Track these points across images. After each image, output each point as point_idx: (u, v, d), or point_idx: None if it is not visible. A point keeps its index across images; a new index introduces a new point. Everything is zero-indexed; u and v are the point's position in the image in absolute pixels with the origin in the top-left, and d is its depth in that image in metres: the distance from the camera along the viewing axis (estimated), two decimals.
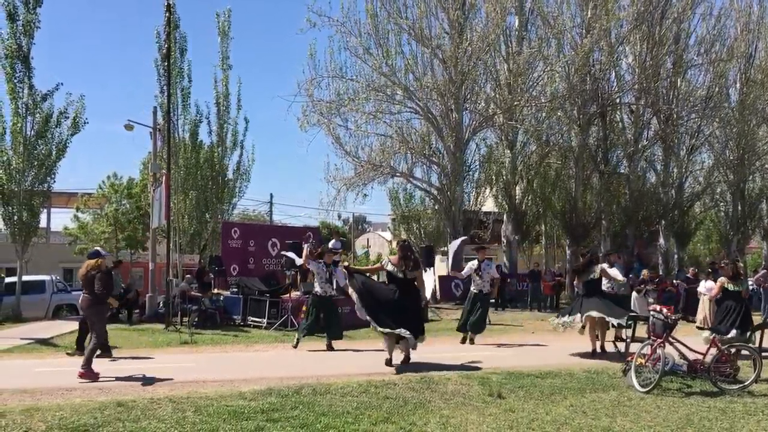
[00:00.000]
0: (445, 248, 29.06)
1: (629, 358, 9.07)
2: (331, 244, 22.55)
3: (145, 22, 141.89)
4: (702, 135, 30.96)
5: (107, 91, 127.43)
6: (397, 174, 26.65)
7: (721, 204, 34.40)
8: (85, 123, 21.68)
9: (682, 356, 8.77)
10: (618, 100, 29.11)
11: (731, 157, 31.91)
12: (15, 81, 20.49)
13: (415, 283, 10.18)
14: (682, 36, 29.52)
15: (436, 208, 28.84)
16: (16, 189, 20.59)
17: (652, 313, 8.94)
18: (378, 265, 11.71)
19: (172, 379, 8.93)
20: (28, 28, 20.60)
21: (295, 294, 16.71)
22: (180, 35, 24.70)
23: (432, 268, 24.27)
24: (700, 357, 8.75)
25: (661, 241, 32.64)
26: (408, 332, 9.68)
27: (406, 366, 9.85)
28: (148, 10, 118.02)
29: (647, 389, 8.19)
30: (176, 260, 20.47)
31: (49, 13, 52.64)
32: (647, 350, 8.60)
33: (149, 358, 11.48)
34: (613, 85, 29.17)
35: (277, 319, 16.25)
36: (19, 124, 20.47)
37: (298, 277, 17.66)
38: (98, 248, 11.38)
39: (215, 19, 27.33)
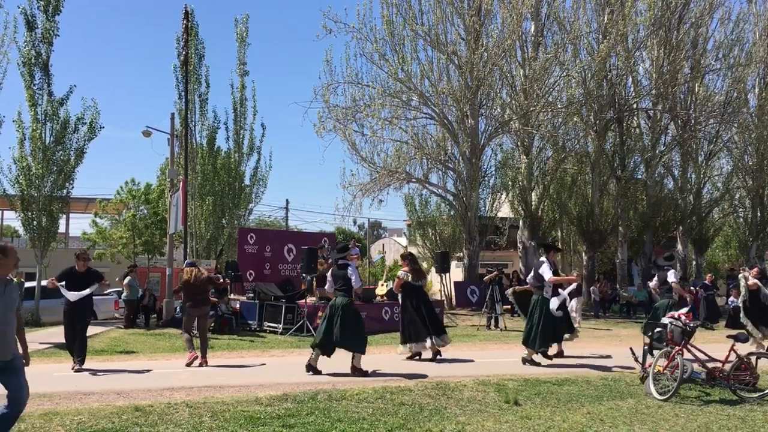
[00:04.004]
0: (461, 254, 29.01)
1: (647, 366, 8.99)
2: None
3: (165, 28, 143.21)
4: (720, 140, 30.71)
5: (126, 97, 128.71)
6: (413, 180, 26.65)
7: (740, 210, 34.04)
8: (100, 128, 21.93)
9: (701, 364, 8.68)
10: (635, 106, 28.96)
11: (750, 163, 31.63)
12: (34, 88, 20.77)
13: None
14: (699, 41, 29.31)
15: (452, 213, 28.82)
16: (35, 195, 20.84)
17: (670, 320, 8.87)
18: (399, 280, 11.68)
19: (188, 384, 8.96)
20: (47, 36, 20.89)
21: (311, 300, 16.74)
22: (198, 41, 24.87)
23: (447, 274, 24.26)
24: (720, 365, 8.66)
25: (679, 247, 32.38)
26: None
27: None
28: (167, 16, 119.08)
29: (665, 397, 8.11)
30: None
31: (65, 19, 53.10)
32: (665, 358, 8.52)
33: (166, 362, 11.53)
34: (630, 91, 29.04)
35: (293, 324, 16.30)
36: (38, 131, 20.73)
37: (314, 283, 17.71)
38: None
39: (233, 26, 27.47)
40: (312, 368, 9.72)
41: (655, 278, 12.22)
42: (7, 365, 5.42)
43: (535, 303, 10.81)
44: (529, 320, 10.95)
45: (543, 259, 11.07)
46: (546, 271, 10.62)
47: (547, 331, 10.61)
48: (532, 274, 11.30)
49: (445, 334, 11.65)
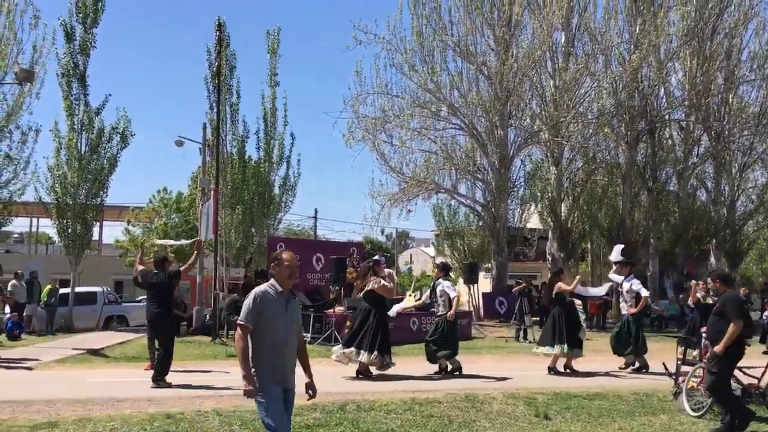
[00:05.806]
0: (489, 265, 28.86)
1: (680, 381, 8.85)
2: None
3: (197, 38, 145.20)
4: (755, 152, 30.16)
5: (159, 107, 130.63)
6: (442, 190, 26.64)
7: None
8: (132, 135, 22.30)
9: (736, 380, 8.52)
10: (667, 117, 28.60)
11: None
12: (71, 98, 21.19)
13: None
14: (733, 51, 28.86)
15: (481, 224, 28.69)
16: (70, 202, 21.22)
17: (704, 335, 8.73)
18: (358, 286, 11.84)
19: (218, 392, 9.03)
20: (85, 47, 21.30)
21: (339, 309, 16.77)
22: (230, 52, 25.12)
23: (475, 285, 24.16)
24: (755, 381, 8.49)
25: (712, 260, 31.82)
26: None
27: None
28: (198, 26, 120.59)
29: (699, 413, 7.98)
30: (223, 274, 20.79)
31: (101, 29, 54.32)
32: (699, 373, 8.38)
33: (196, 370, 11.63)
34: (662, 102, 28.69)
35: (321, 333, 16.33)
36: (75, 140, 21.12)
37: (342, 293, 17.74)
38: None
39: (265, 37, 27.63)
40: (456, 369, 11.32)
41: None
42: (287, 394, 4.84)
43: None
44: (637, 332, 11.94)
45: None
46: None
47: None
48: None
49: (388, 355, 10.80)
